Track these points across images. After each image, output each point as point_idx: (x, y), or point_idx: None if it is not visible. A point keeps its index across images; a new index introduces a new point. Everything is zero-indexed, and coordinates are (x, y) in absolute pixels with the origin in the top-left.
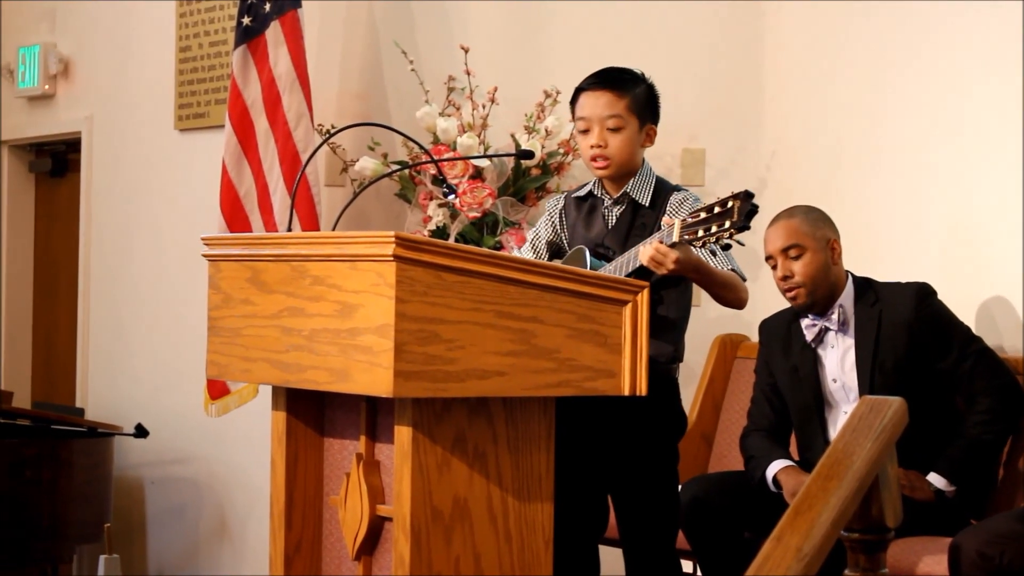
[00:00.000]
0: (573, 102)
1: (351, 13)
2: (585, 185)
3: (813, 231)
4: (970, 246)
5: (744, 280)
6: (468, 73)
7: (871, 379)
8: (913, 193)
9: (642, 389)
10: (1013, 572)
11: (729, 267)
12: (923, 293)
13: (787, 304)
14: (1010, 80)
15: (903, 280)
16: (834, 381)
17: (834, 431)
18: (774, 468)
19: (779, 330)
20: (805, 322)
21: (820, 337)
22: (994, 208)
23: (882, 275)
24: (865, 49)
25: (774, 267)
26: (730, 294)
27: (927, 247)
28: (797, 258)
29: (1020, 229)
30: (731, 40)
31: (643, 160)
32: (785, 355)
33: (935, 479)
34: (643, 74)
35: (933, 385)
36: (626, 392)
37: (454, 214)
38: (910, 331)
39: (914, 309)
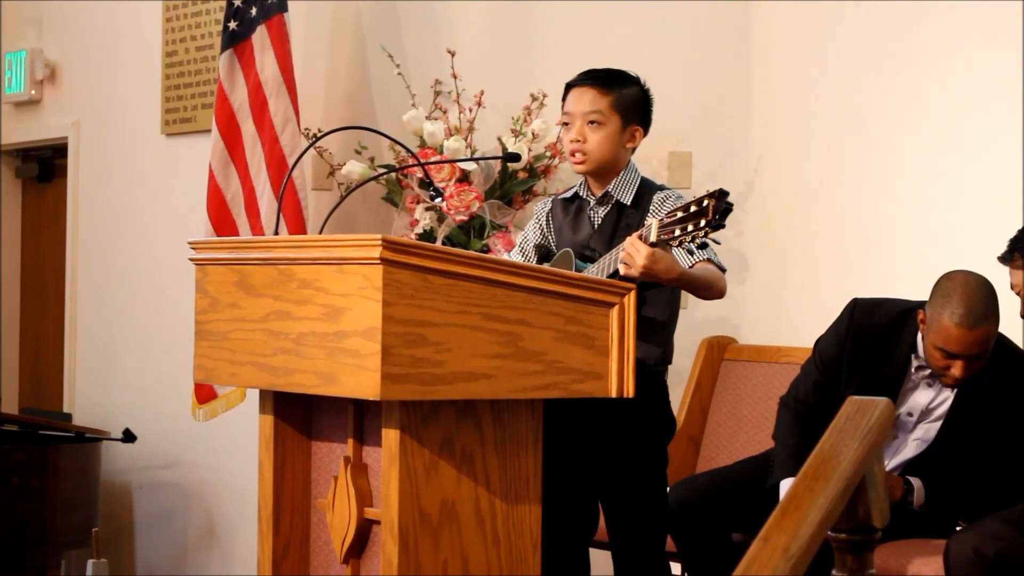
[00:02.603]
0: (563, 99)
1: (337, 17)
2: (572, 188)
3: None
4: (961, 253)
5: (723, 271)
6: (455, 77)
7: (950, 434)
8: (903, 198)
9: (629, 391)
10: (1008, 568)
11: (705, 258)
12: None
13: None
14: (1004, 84)
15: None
16: (909, 415)
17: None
18: (787, 487)
19: (878, 329)
20: (918, 362)
21: (925, 376)
22: (986, 213)
23: (869, 281)
24: (854, 52)
25: (950, 357)
26: (712, 291)
27: (917, 252)
28: (980, 360)
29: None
30: (718, 43)
31: (628, 161)
32: (876, 364)
33: (917, 485)
34: (638, 78)
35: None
36: (613, 394)
37: (441, 217)
38: (1015, 412)
39: None
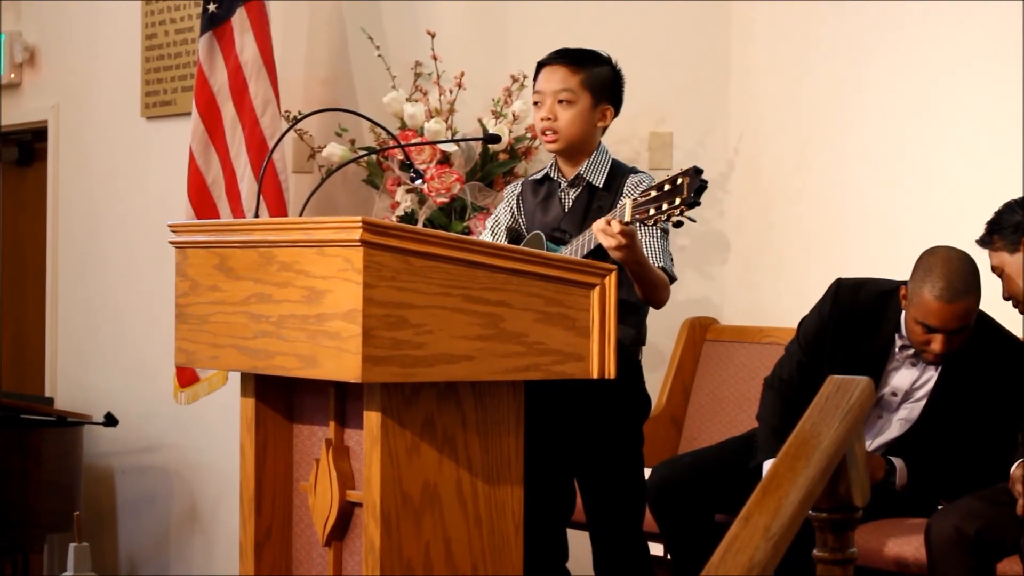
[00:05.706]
0: (535, 78)
1: None
2: (542, 169)
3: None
4: (945, 232)
5: (673, 280)
6: (435, 58)
7: (934, 414)
8: (885, 176)
9: (611, 372)
10: (988, 546)
11: (661, 264)
12: None
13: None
14: (989, 58)
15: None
16: (893, 395)
17: (867, 433)
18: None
19: (862, 308)
20: (901, 341)
21: (908, 356)
22: (970, 192)
23: (852, 261)
24: (834, 30)
25: (930, 332)
26: (654, 295)
27: (900, 231)
28: (961, 335)
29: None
30: (698, 22)
31: (599, 143)
32: (860, 344)
33: (900, 466)
34: (609, 57)
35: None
36: (595, 375)
37: (422, 200)
38: (999, 391)
39: (1017, 373)
